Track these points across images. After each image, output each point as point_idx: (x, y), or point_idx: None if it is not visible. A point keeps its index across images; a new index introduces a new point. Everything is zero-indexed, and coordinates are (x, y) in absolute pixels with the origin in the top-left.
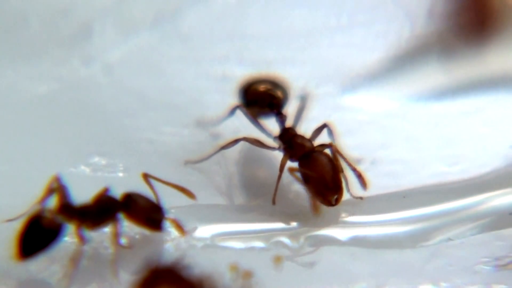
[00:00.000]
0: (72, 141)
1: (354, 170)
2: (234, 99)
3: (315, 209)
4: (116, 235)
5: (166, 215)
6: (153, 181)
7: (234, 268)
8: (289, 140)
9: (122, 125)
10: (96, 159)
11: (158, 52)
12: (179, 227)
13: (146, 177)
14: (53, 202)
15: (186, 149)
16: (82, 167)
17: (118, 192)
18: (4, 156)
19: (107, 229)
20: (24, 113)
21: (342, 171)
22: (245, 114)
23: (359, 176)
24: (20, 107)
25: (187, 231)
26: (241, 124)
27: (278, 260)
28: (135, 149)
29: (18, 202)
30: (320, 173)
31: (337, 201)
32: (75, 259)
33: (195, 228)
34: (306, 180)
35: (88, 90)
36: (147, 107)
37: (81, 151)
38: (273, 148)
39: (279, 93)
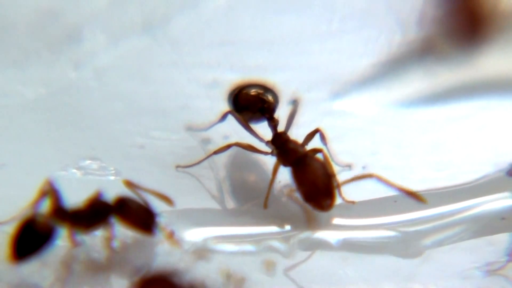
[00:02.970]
0: (62, 144)
1: (402, 191)
2: (224, 105)
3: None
4: (109, 239)
5: (158, 219)
6: (139, 185)
7: (226, 273)
8: (282, 145)
9: (112, 129)
10: (87, 162)
11: (148, 57)
12: (173, 239)
13: (129, 184)
14: (45, 205)
15: (177, 154)
16: (73, 170)
17: (109, 195)
18: None
19: (99, 233)
20: (15, 117)
21: (334, 176)
22: (237, 120)
23: (412, 194)
24: (11, 111)
25: (180, 242)
26: (231, 129)
27: (270, 264)
28: (126, 153)
29: (9, 206)
30: (313, 178)
31: (329, 206)
32: (67, 263)
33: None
34: (299, 185)
35: (78, 94)
36: (137, 112)
37: (72, 154)
38: (265, 153)
39: (270, 98)
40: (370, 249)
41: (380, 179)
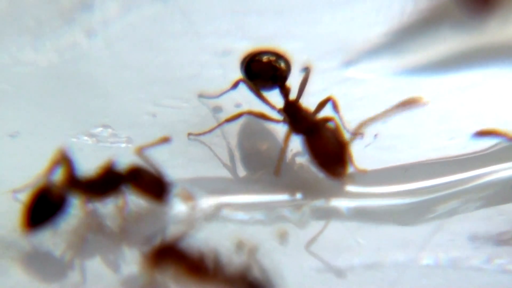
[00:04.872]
0: (74, 112)
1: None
2: (236, 74)
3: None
4: (122, 208)
5: (172, 187)
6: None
7: (238, 241)
8: (294, 113)
9: (124, 97)
10: (99, 129)
11: (159, 26)
12: (188, 195)
13: (141, 152)
14: (58, 174)
15: (188, 122)
16: (85, 138)
17: (121, 163)
18: (7, 128)
19: (112, 202)
20: (27, 85)
21: (346, 144)
22: (249, 88)
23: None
24: (23, 79)
25: (195, 199)
26: (243, 97)
27: (282, 232)
28: (138, 121)
29: (21, 173)
30: (325, 146)
31: (341, 174)
32: (80, 231)
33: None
34: (311, 154)
35: (90, 62)
36: (149, 81)
37: (84, 122)
38: (277, 121)
39: (282, 65)
40: (382, 218)
41: (373, 118)
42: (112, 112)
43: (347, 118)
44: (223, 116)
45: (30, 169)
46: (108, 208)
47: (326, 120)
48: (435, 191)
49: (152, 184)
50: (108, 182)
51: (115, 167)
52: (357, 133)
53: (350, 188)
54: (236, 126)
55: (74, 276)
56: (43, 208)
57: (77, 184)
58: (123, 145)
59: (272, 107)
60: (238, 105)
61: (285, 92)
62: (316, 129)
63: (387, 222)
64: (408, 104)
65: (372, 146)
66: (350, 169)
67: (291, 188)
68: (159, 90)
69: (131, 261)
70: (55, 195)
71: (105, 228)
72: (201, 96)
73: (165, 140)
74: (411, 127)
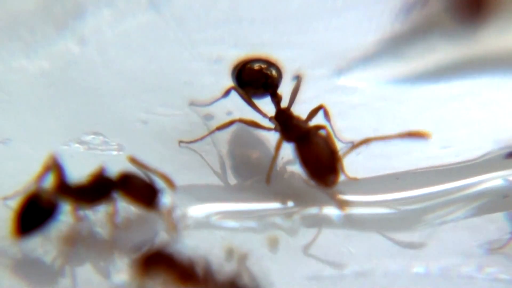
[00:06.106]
0: (66, 119)
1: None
2: (228, 81)
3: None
4: (112, 215)
5: (161, 195)
6: (143, 163)
7: (229, 249)
8: (285, 121)
9: (116, 105)
10: (90, 137)
11: (152, 34)
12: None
13: (133, 160)
14: (49, 180)
15: (180, 129)
16: (76, 145)
17: (112, 170)
18: None
19: (103, 208)
20: (19, 92)
21: (337, 152)
22: (240, 96)
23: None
24: (15, 86)
25: (177, 226)
26: (234, 105)
27: (273, 240)
28: (129, 129)
29: (13, 181)
30: (316, 154)
31: (333, 182)
32: (70, 238)
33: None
34: (302, 162)
35: (82, 69)
36: (141, 88)
37: (75, 129)
38: (268, 129)
39: (273, 72)
40: (373, 226)
41: (375, 139)
42: (103, 120)
43: (339, 127)
44: (215, 123)
45: (21, 176)
46: (98, 215)
47: (318, 128)
48: (426, 200)
49: (143, 191)
50: (98, 189)
51: (106, 174)
52: (356, 145)
53: (341, 197)
54: (227, 134)
55: (64, 283)
56: (33, 214)
57: (68, 190)
58: (114, 152)
59: (264, 115)
60: (229, 113)
61: (276, 100)
62: (307, 137)
63: (378, 231)
64: (412, 135)
65: (363, 154)
66: (341, 177)
67: (282, 196)
68: (151, 98)
69: (122, 268)
70: (46, 201)
71: (96, 235)
72: (192, 104)
73: (171, 185)
74: None
